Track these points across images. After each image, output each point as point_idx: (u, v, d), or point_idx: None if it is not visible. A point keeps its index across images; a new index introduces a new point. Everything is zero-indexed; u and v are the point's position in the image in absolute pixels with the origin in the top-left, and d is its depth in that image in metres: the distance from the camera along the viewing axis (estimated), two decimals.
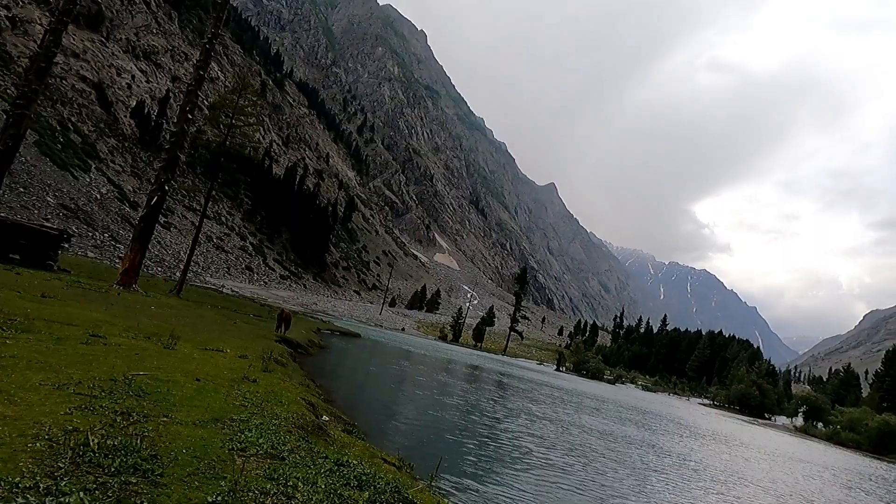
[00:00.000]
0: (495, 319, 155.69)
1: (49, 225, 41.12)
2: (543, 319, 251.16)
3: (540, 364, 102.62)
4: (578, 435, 19.66)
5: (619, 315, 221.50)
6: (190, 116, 26.68)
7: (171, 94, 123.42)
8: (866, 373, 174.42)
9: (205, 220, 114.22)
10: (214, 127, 36.56)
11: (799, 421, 73.42)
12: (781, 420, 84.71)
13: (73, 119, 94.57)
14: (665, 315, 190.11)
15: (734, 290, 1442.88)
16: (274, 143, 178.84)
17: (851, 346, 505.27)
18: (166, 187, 26.49)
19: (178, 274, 57.62)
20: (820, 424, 67.62)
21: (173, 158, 26.35)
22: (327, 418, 9.15)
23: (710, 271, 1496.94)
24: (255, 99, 37.91)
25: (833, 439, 57.72)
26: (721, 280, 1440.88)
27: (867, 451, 54.34)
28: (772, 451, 34.14)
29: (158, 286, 39.12)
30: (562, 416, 25.33)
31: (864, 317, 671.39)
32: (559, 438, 17.83)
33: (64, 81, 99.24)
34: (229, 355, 12.88)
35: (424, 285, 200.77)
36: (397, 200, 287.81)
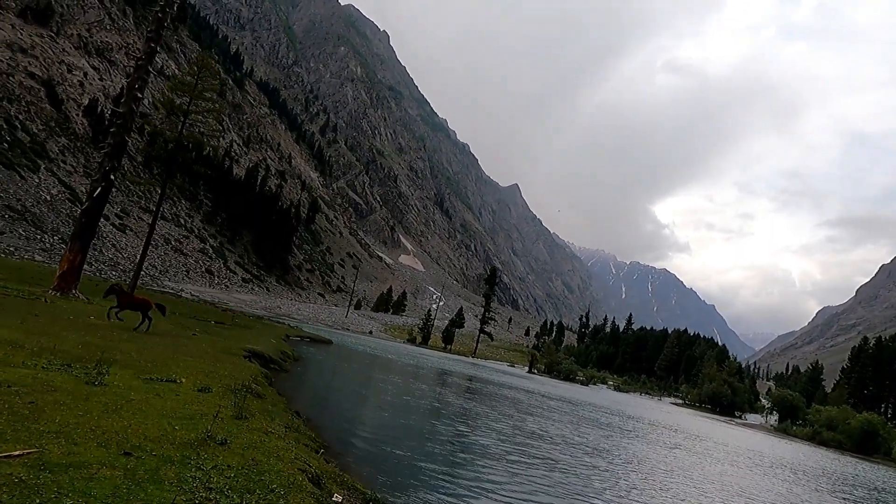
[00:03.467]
0: (464, 321, 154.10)
1: None
2: (510, 320, 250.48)
3: (511, 366, 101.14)
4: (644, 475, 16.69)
5: (584, 315, 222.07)
6: (139, 95, 23.59)
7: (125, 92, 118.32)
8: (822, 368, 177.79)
9: (163, 222, 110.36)
10: (170, 113, 32.98)
11: (773, 419, 73.25)
12: (752, 418, 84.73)
13: (20, 117, 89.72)
14: (630, 314, 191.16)
15: (693, 289, 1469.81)
16: (234, 144, 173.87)
17: (805, 342, 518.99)
18: (112, 177, 22.93)
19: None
20: (789, 422, 67.38)
21: (119, 143, 22.99)
22: (340, 498, 6.30)
23: (669, 270, 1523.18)
24: (214, 82, 34.25)
25: (815, 439, 57.20)
26: (680, 279, 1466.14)
27: (850, 450, 53.90)
28: (782, 460, 32.76)
29: None
30: (602, 442, 22.07)
31: (816, 313, 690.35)
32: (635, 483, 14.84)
33: (11, 78, 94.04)
34: (185, 388, 9.55)
35: (390, 287, 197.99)
36: (361, 202, 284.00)
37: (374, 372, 34.39)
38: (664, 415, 55.34)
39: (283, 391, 16.11)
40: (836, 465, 39.20)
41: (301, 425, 10.73)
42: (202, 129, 34.46)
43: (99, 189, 22.65)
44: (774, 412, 73.52)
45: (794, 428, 61.50)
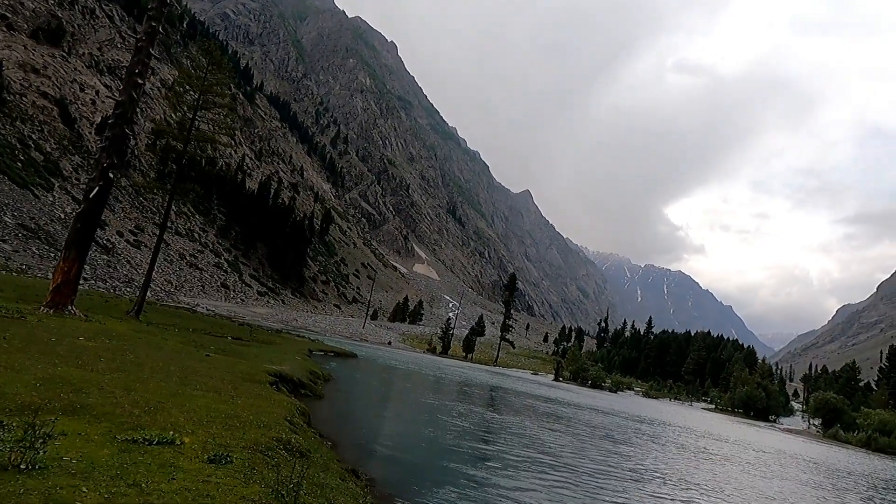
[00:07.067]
0: (484, 329, 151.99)
1: None
2: (528, 326, 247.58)
3: (535, 374, 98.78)
4: None
5: (603, 319, 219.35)
6: (140, 81, 21.34)
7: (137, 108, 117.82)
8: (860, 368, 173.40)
9: (178, 237, 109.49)
10: (177, 109, 30.49)
11: (815, 424, 70.30)
12: (788, 422, 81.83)
13: (34, 136, 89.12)
14: (650, 318, 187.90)
15: (710, 290, 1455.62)
16: (246, 157, 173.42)
17: (827, 342, 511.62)
18: (110, 175, 19.84)
19: (148, 294, 52.26)
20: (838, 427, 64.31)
21: (118, 137, 19.85)
22: None
23: (685, 272, 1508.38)
24: (225, 75, 31.22)
25: (870, 445, 54.39)
26: (696, 280, 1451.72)
27: None
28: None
29: (119, 307, 33.12)
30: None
31: (836, 311, 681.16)
32: None
33: (24, 98, 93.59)
34: (188, 455, 6.09)
35: (406, 297, 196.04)
36: (374, 212, 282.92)
37: (417, 393, 31.88)
38: (711, 423, 53.06)
39: (325, 432, 13.11)
40: None
41: None
42: (213, 128, 32.17)
43: (97, 189, 19.58)
44: (816, 416, 70.66)
45: (846, 434, 58.66)
